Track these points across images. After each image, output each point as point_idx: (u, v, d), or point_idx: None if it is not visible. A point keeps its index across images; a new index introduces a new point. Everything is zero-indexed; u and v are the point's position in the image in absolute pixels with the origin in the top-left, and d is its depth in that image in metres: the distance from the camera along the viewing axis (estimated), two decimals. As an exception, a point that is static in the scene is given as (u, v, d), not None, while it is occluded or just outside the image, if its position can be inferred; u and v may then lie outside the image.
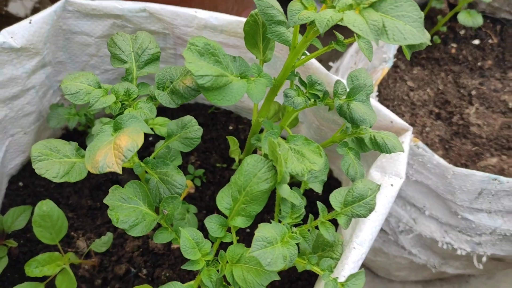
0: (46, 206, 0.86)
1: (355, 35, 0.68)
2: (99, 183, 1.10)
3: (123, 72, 0.85)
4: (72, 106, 1.03)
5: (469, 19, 1.28)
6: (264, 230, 0.58)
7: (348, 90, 0.77)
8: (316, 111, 1.02)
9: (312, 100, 0.77)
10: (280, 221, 0.67)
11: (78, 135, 1.17)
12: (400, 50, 1.38)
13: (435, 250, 1.28)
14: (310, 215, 0.68)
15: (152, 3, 0.93)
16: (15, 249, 0.97)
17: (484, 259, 1.21)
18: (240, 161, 0.94)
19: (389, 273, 1.51)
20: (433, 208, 1.18)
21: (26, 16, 2.01)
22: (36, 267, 0.84)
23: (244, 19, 0.91)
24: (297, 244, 0.66)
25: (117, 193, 0.67)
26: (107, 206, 0.67)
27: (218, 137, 1.20)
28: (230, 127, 1.22)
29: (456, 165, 1.21)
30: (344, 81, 0.81)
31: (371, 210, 0.62)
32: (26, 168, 1.11)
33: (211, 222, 0.66)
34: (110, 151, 0.56)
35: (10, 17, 1.97)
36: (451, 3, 1.50)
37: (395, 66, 1.40)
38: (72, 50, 0.99)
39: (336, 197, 0.64)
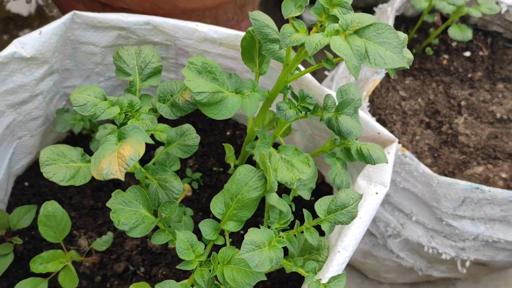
0: (51, 207, 0.90)
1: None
2: (101, 185, 1.14)
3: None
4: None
5: (459, 33, 1.33)
6: (253, 235, 0.63)
7: (337, 103, 0.82)
8: (309, 121, 1.07)
9: (303, 112, 0.82)
10: (269, 226, 0.72)
11: (83, 139, 1.21)
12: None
13: (421, 254, 1.33)
14: (297, 221, 0.73)
15: (156, 16, 0.98)
16: (20, 246, 1.01)
17: (467, 263, 1.26)
18: (235, 166, 0.99)
19: (379, 275, 1.56)
20: (419, 214, 1.22)
21: (31, 16, 2.06)
22: (40, 263, 0.87)
23: (242, 33, 0.96)
24: (286, 247, 0.71)
25: (119, 197, 0.72)
26: (108, 207, 0.72)
27: (215, 142, 1.24)
28: (228, 133, 1.27)
29: (444, 173, 1.25)
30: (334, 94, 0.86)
31: (352, 218, 0.67)
32: (32, 168, 1.15)
33: (205, 226, 0.72)
34: (114, 159, 0.61)
35: (18, 19, 2.03)
36: (444, 16, 1.55)
37: (388, 76, 1.45)
38: (78, 58, 1.04)
39: (320, 205, 0.69)
